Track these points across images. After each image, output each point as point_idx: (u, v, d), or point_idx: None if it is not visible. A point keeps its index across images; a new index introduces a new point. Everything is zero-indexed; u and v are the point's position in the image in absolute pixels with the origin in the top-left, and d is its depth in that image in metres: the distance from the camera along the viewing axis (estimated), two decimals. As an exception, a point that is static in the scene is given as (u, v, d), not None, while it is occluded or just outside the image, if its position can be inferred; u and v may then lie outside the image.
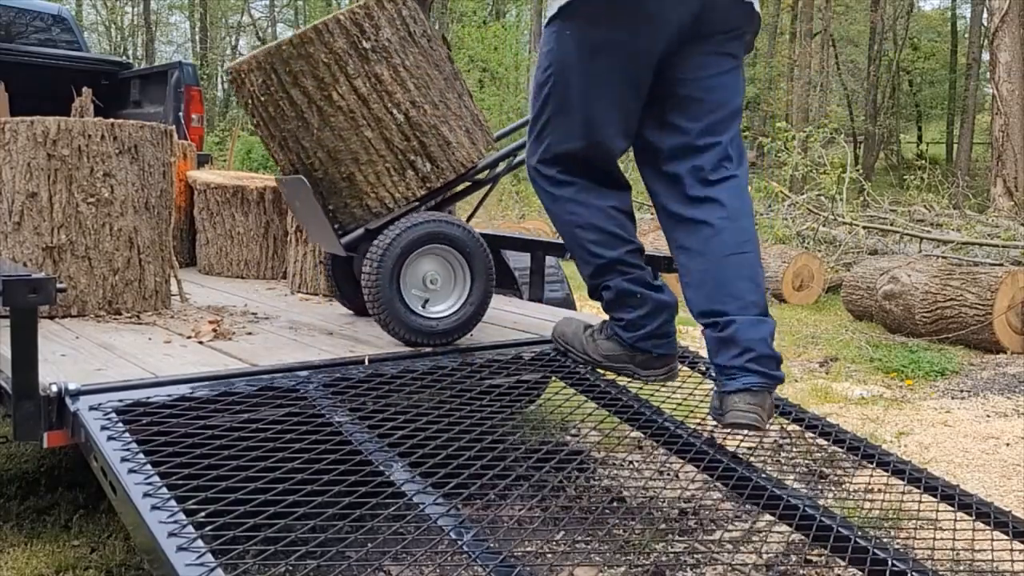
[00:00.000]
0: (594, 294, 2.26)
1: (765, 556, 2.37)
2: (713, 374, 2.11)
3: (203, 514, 1.48)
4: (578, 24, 2.06)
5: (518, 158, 2.55)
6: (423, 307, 2.32)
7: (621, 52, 2.06)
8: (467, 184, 2.53)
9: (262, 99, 2.30)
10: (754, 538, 2.49)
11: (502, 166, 2.54)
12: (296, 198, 2.46)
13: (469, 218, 2.77)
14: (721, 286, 2.04)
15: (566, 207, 2.20)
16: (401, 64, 2.31)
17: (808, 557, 2.37)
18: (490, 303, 2.42)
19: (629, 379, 2.31)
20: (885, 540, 1.98)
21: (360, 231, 2.37)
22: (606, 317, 2.33)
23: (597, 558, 2.33)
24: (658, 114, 2.16)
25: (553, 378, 2.43)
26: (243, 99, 2.38)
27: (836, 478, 3.02)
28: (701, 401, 2.34)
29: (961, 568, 2.03)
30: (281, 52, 2.25)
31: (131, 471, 1.54)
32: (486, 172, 2.51)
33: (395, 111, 2.30)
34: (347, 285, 2.77)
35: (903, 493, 2.12)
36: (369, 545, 1.65)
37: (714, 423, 2.10)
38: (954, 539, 1.96)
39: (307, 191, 2.33)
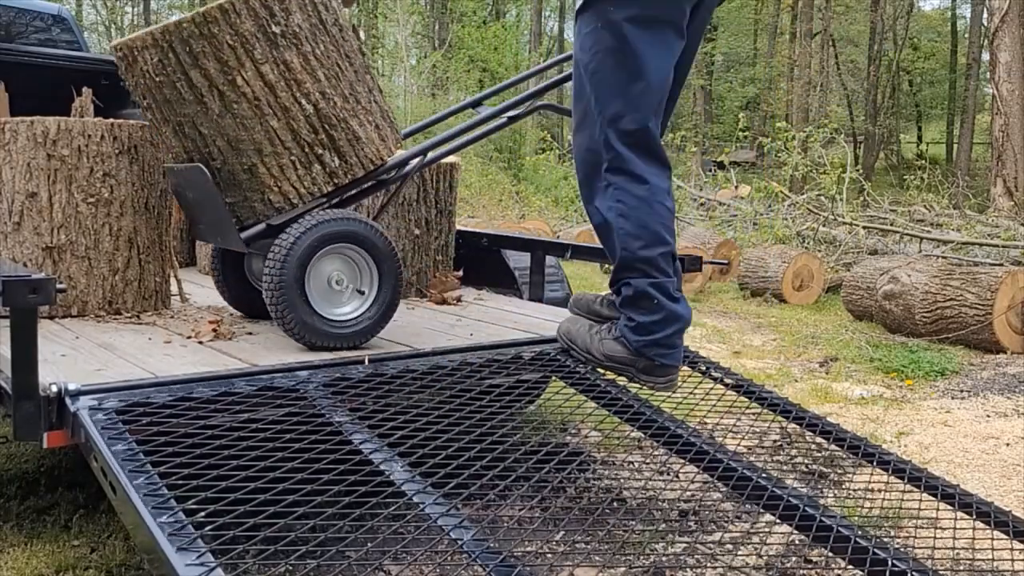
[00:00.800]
0: (613, 286, 2.27)
1: (765, 556, 2.37)
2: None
3: (203, 514, 1.48)
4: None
5: (428, 156, 2.47)
6: (336, 308, 2.23)
7: (663, 22, 2.13)
8: (374, 182, 2.43)
9: (157, 80, 2.15)
10: (754, 538, 2.49)
11: (413, 163, 2.45)
12: (189, 189, 2.31)
13: (375, 216, 2.72)
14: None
15: (615, 194, 2.18)
16: (312, 53, 2.19)
17: (808, 557, 2.37)
18: (397, 307, 2.32)
19: (629, 380, 2.31)
20: (885, 540, 1.98)
21: (261, 227, 2.24)
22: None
23: (597, 558, 2.33)
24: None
25: (553, 378, 2.43)
26: (134, 79, 2.21)
27: (836, 478, 3.02)
28: (701, 401, 2.35)
29: (961, 568, 2.03)
30: (181, 30, 2.09)
31: (131, 471, 1.54)
32: (394, 171, 2.42)
33: (304, 101, 2.18)
34: (239, 287, 2.62)
35: (903, 493, 2.12)
36: (369, 545, 1.65)
37: (713, 423, 2.11)
38: (954, 539, 1.96)
39: (206, 180, 2.19)
